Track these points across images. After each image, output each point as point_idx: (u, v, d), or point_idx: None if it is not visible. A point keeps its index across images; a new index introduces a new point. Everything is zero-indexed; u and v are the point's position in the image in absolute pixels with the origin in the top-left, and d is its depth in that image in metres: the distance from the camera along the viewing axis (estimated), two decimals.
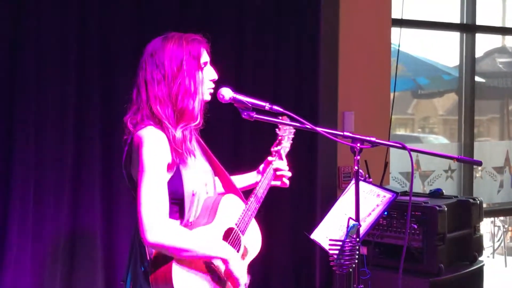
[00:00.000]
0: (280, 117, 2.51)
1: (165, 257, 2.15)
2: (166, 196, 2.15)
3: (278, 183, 2.62)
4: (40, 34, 3.42)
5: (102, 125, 3.59)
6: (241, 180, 2.64)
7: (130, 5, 3.67)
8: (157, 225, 2.08)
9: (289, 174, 2.63)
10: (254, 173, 2.67)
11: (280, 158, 2.62)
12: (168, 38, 2.28)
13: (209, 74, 2.34)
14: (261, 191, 2.51)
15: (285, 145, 2.65)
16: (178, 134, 2.22)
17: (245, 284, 2.33)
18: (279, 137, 2.64)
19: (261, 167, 2.65)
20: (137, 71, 2.30)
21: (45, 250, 3.44)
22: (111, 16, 3.62)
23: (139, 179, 2.13)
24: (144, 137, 2.16)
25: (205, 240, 2.20)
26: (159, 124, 2.21)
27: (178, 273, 2.14)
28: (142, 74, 2.26)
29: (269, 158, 2.62)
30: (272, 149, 2.63)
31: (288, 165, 2.63)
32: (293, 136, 2.69)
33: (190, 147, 2.26)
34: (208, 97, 2.35)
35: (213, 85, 2.35)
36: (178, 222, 2.25)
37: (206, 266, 2.23)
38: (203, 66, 2.31)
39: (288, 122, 2.47)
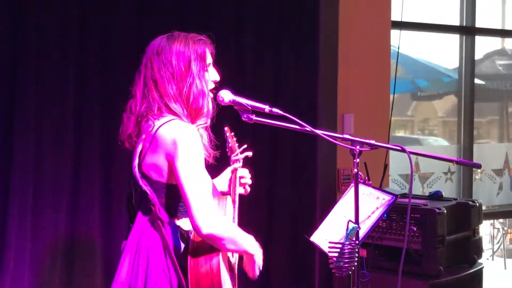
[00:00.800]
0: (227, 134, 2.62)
1: (209, 249, 2.17)
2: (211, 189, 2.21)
3: (241, 190, 2.64)
4: (40, 35, 3.43)
5: (101, 128, 3.59)
6: (217, 184, 2.66)
7: (131, 5, 3.67)
8: (213, 217, 2.12)
9: (250, 181, 2.66)
10: (220, 179, 2.68)
11: (243, 165, 2.66)
12: (174, 37, 2.28)
13: (212, 75, 2.35)
14: (236, 199, 2.56)
15: (241, 155, 2.69)
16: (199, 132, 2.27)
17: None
18: (230, 145, 2.68)
19: (226, 174, 2.67)
20: (140, 70, 2.29)
21: (44, 252, 3.44)
22: (112, 14, 3.63)
23: (184, 171, 2.13)
24: (181, 130, 2.17)
25: (243, 234, 2.26)
26: (181, 119, 2.23)
27: (222, 265, 2.18)
28: (149, 73, 2.26)
29: (236, 165, 2.64)
30: (233, 157, 2.65)
31: (250, 172, 2.66)
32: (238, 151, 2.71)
33: (207, 144, 2.31)
34: None
35: (213, 86, 2.36)
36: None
37: (230, 266, 2.30)
38: (207, 68, 2.32)
39: (286, 124, 2.47)
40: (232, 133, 2.67)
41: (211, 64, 2.36)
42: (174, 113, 2.22)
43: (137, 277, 2.21)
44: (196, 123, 2.27)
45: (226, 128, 2.65)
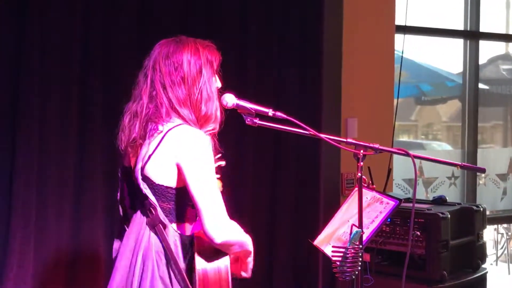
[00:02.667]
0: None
1: (216, 255, 2.17)
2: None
3: None
4: (43, 37, 3.43)
5: (105, 133, 3.57)
6: None
7: (134, 5, 3.68)
8: (226, 225, 2.13)
9: None
10: None
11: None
12: (183, 41, 2.26)
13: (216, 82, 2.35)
14: None
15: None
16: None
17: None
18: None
19: None
20: (146, 73, 2.26)
21: (47, 259, 3.44)
22: (114, 15, 3.63)
23: (196, 178, 2.12)
24: (193, 136, 2.16)
25: (245, 234, 2.27)
26: (189, 124, 2.21)
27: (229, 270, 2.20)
28: (157, 76, 2.23)
29: None
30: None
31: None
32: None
33: (212, 153, 2.27)
34: None
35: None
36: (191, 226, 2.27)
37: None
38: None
39: (290, 128, 2.47)
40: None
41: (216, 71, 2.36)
42: (182, 117, 2.20)
43: (132, 282, 2.19)
44: (204, 129, 2.25)
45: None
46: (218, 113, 2.29)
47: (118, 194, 2.39)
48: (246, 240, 2.25)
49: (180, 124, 2.18)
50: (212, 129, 2.28)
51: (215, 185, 2.16)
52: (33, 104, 3.39)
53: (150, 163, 2.18)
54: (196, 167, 2.13)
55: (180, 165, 2.14)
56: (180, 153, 2.14)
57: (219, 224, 2.10)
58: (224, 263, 2.18)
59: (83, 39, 3.54)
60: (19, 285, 3.33)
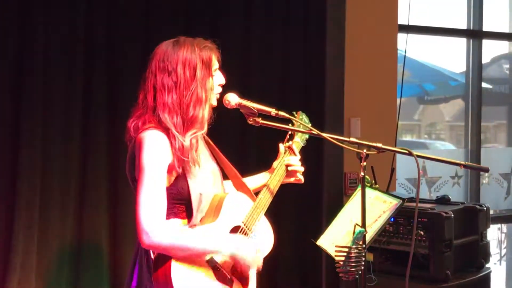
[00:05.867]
0: (296, 113, 2.52)
1: (165, 256, 2.13)
2: (164, 198, 2.14)
3: (291, 179, 2.58)
4: (47, 38, 3.43)
5: (108, 132, 3.59)
6: (254, 180, 2.61)
7: (137, 2, 3.68)
8: (153, 228, 2.06)
9: (302, 169, 2.57)
10: (266, 172, 2.62)
11: (292, 153, 2.57)
12: (180, 44, 2.25)
13: (218, 79, 2.33)
14: (270, 188, 2.48)
15: (297, 140, 2.60)
16: (187, 142, 2.21)
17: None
18: (290, 132, 2.60)
19: (274, 163, 2.60)
20: (145, 74, 2.27)
21: (50, 256, 3.44)
22: (118, 13, 3.62)
23: (138, 180, 2.13)
24: (145, 138, 2.16)
25: (205, 237, 2.19)
26: (165, 130, 2.20)
27: (177, 271, 2.12)
28: (151, 80, 2.24)
29: (282, 152, 2.58)
30: (282, 144, 2.58)
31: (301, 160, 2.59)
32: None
33: (195, 156, 2.24)
34: (215, 103, 2.34)
35: (220, 90, 2.35)
36: (183, 221, 2.25)
37: (210, 264, 2.20)
38: (213, 73, 2.31)
39: (293, 128, 2.46)
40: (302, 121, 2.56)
41: (217, 69, 2.35)
42: (161, 122, 2.20)
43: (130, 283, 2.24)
44: (190, 132, 2.23)
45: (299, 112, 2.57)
46: (206, 116, 2.28)
47: None
48: (192, 244, 2.13)
49: (147, 129, 2.19)
50: (195, 132, 2.25)
51: (152, 186, 2.11)
52: (36, 103, 3.40)
53: (130, 166, 2.23)
54: (140, 164, 2.14)
55: None
56: (137, 154, 2.17)
57: (147, 226, 2.05)
58: (169, 261, 2.12)
59: (87, 36, 3.54)
60: (23, 285, 3.34)
